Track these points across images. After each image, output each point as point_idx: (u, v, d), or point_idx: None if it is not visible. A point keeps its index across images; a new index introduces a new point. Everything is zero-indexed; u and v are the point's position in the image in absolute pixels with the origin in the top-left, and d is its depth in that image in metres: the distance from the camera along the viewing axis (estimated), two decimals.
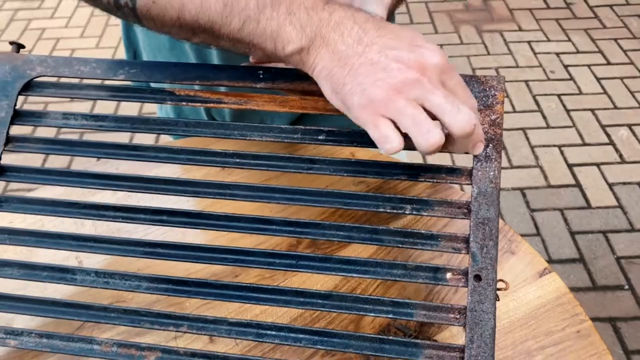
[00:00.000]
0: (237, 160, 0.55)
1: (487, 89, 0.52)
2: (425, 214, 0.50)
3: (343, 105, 0.48)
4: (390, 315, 0.48)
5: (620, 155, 2.01)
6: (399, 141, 0.45)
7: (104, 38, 2.71)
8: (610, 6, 2.75)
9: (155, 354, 0.50)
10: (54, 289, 0.62)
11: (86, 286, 0.52)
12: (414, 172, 0.51)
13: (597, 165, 1.98)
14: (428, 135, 0.44)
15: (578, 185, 1.91)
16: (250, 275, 0.63)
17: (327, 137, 0.54)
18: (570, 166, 1.98)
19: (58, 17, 2.87)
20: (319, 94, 0.55)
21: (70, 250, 0.54)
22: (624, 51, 2.49)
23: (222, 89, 0.66)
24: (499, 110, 0.52)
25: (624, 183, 1.91)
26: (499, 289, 0.48)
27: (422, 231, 0.50)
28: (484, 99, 0.52)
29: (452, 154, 1.91)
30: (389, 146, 0.45)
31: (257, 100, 0.56)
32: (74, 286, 0.53)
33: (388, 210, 0.51)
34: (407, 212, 0.51)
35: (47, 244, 0.54)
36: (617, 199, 1.86)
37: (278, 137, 0.55)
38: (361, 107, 0.46)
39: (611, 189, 1.90)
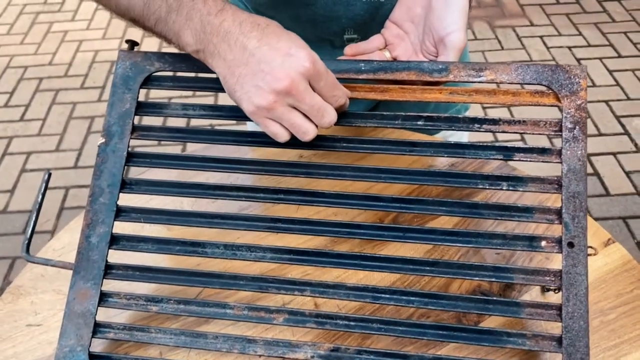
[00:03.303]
0: (344, 144, 0.61)
1: (572, 77, 0.59)
2: (521, 189, 0.57)
3: (239, 105, 0.57)
4: (493, 279, 0.55)
5: (636, 145, 2.08)
6: (286, 135, 0.56)
7: (125, 39, 2.76)
8: (619, 0, 2.82)
9: (283, 316, 0.57)
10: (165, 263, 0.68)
11: (216, 258, 0.59)
12: (509, 152, 0.58)
13: (614, 154, 2.05)
14: (303, 134, 0.56)
15: (596, 174, 1.99)
16: (342, 249, 0.69)
17: (426, 122, 0.60)
18: (587, 156, 2.05)
19: (79, 19, 2.93)
20: (416, 83, 0.61)
21: (199, 227, 0.60)
22: (634, 44, 2.56)
23: None
24: (583, 95, 0.58)
25: None
26: (589, 255, 0.55)
27: (518, 204, 0.57)
28: (569, 86, 0.58)
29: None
30: (279, 140, 0.57)
31: (359, 90, 0.62)
32: (204, 258, 0.59)
33: (487, 187, 0.58)
34: (504, 189, 0.57)
35: (177, 222, 0.60)
36: (635, 186, 1.94)
37: (380, 123, 0.61)
38: (251, 111, 0.55)
39: (628, 177, 1.97)
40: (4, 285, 1.81)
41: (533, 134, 0.58)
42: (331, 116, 0.56)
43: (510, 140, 2.06)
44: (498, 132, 0.59)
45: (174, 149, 2.16)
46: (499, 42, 2.61)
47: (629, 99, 2.29)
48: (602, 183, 1.96)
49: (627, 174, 1.98)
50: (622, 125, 2.17)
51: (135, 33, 2.85)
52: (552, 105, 0.58)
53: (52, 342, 0.64)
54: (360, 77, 0.62)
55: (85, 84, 2.53)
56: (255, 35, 0.54)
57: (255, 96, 0.54)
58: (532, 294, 0.65)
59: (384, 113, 0.61)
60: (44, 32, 2.87)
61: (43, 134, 2.30)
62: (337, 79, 0.62)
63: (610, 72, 2.42)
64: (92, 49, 2.72)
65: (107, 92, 2.48)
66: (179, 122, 2.08)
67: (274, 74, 0.53)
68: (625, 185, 1.95)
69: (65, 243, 0.76)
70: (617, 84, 2.36)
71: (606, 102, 2.27)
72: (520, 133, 0.58)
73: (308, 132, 0.56)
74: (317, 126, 0.56)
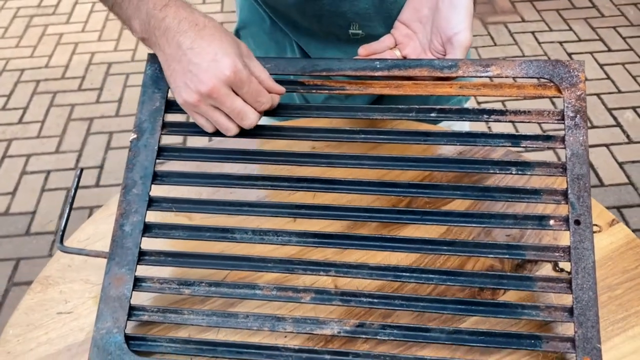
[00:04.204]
0: (363, 136, 0.65)
1: (572, 71, 0.63)
2: (528, 173, 0.61)
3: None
4: (507, 256, 0.59)
5: (628, 136, 2.14)
6: (211, 128, 0.63)
7: (121, 41, 2.79)
8: None
9: (310, 295, 0.60)
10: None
11: (245, 242, 0.62)
12: (517, 140, 0.62)
13: (607, 146, 2.11)
14: (225, 130, 0.63)
15: (590, 165, 2.03)
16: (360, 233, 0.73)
17: (439, 115, 0.64)
18: None
19: (74, 22, 2.95)
20: (429, 79, 0.65)
21: (227, 214, 0.64)
22: (623, 38, 2.62)
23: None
24: (582, 87, 0.62)
25: (633, 162, 2.04)
26: (594, 232, 0.59)
27: (527, 187, 0.61)
28: (569, 79, 0.63)
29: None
30: (206, 130, 0.64)
31: (375, 87, 0.66)
32: (229, 244, 0.63)
33: (498, 172, 0.62)
34: (513, 173, 0.61)
35: (207, 210, 0.64)
36: (628, 176, 1.99)
37: (396, 116, 0.65)
38: (181, 104, 0.62)
39: (621, 168, 2.02)
40: (9, 287, 1.84)
41: (538, 122, 0.62)
42: (251, 119, 0.62)
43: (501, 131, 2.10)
44: (505, 121, 0.63)
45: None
46: (492, 38, 2.66)
47: (619, 91, 2.34)
48: (596, 174, 2.01)
49: (620, 164, 2.04)
50: (614, 118, 2.22)
51: (131, 34, 2.88)
52: (554, 97, 0.62)
53: (84, 328, 0.67)
54: (376, 74, 0.65)
55: (82, 86, 2.55)
56: (190, 36, 0.59)
57: (184, 92, 0.60)
58: (543, 273, 0.69)
59: (400, 106, 0.65)
60: (39, 35, 2.88)
61: (42, 136, 2.32)
62: (353, 76, 0.66)
63: (601, 66, 2.48)
64: (88, 51, 2.74)
65: (104, 93, 2.51)
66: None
67: (199, 77, 0.58)
68: (618, 175, 2.00)
69: (89, 234, 0.78)
70: (608, 77, 2.41)
71: (597, 95, 2.32)
72: (526, 122, 0.62)
73: (229, 130, 0.62)
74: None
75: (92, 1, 3.03)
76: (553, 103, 2.21)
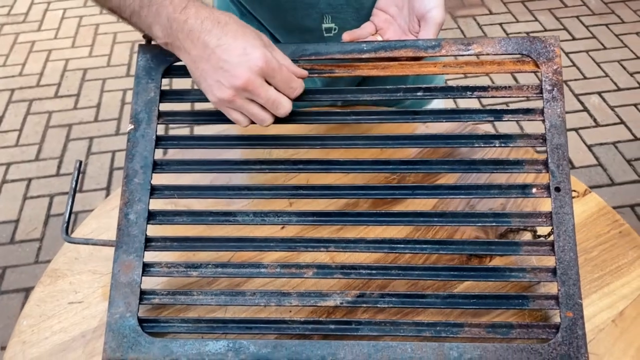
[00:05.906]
0: (354, 117, 0.68)
1: (548, 46, 0.67)
2: (511, 145, 0.65)
3: (205, 95, 0.64)
4: (493, 224, 0.63)
5: (595, 120, 2.22)
6: (246, 121, 0.64)
7: (95, 46, 2.78)
8: None
9: (312, 270, 0.64)
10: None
11: (247, 224, 0.65)
12: (499, 114, 0.66)
13: (576, 130, 2.18)
14: (261, 121, 0.64)
15: None
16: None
17: (425, 93, 0.68)
18: None
19: (45, 29, 2.93)
20: (413, 59, 0.69)
21: (228, 198, 0.67)
22: (586, 27, 2.71)
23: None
24: (558, 62, 0.67)
25: (601, 144, 2.12)
26: (573, 197, 0.63)
27: (510, 158, 0.65)
28: (545, 54, 0.67)
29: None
30: (241, 125, 0.64)
31: (363, 68, 0.69)
32: (236, 225, 0.66)
33: (482, 145, 0.66)
34: (497, 146, 0.65)
35: (208, 196, 0.67)
36: (597, 158, 2.07)
37: (385, 96, 0.68)
38: (214, 102, 0.63)
39: (590, 150, 2.10)
40: None
41: (518, 97, 0.66)
42: (285, 107, 0.63)
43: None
44: (488, 97, 0.67)
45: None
46: (462, 31, 2.72)
47: (585, 78, 2.42)
48: None
49: (589, 147, 2.11)
50: (581, 103, 2.30)
51: (107, 40, 2.88)
52: (532, 72, 0.67)
53: (96, 315, 0.70)
54: (363, 56, 0.69)
55: (59, 93, 2.54)
56: (216, 34, 0.60)
57: (217, 90, 0.61)
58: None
59: (387, 87, 0.68)
60: (11, 44, 2.86)
61: (21, 144, 2.31)
62: (341, 59, 0.70)
63: (567, 54, 2.55)
64: (62, 58, 2.73)
65: (82, 99, 2.50)
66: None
67: (231, 72, 0.60)
68: (588, 157, 2.07)
69: (93, 228, 0.81)
70: (574, 65, 2.49)
71: (565, 82, 2.39)
72: (507, 97, 0.66)
73: (265, 120, 0.63)
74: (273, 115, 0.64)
75: (63, 7, 3.02)
76: (515, 79, 2.28)
